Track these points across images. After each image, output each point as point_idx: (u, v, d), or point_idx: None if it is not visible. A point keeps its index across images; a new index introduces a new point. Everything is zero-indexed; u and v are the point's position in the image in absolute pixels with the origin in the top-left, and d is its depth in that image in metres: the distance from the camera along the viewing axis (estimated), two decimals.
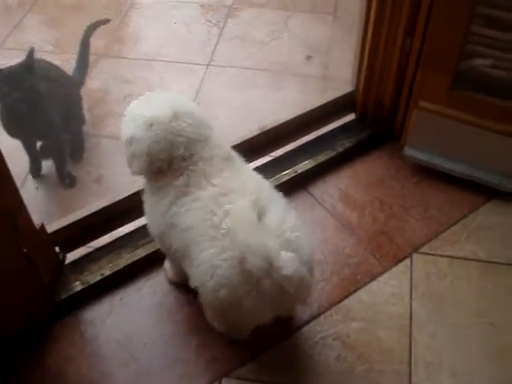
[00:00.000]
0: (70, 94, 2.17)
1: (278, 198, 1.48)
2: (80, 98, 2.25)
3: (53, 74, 2.11)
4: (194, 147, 1.42)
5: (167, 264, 1.75)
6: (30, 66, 1.90)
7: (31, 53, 1.90)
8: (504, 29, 1.74)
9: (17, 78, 1.88)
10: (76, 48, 2.35)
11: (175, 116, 1.41)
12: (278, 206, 1.42)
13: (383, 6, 1.80)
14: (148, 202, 1.54)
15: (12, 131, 2.00)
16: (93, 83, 2.46)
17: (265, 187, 1.50)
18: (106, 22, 2.47)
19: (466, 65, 1.82)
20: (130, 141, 1.43)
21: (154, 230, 1.55)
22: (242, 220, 1.32)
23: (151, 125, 1.39)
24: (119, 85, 2.49)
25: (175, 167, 1.42)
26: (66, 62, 2.36)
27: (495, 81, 1.83)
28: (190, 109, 1.46)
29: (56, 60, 2.26)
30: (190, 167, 1.42)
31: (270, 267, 1.26)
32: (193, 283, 1.44)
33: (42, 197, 2.10)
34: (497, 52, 1.79)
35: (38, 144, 2.15)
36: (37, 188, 2.11)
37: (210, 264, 1.35)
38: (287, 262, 1.26)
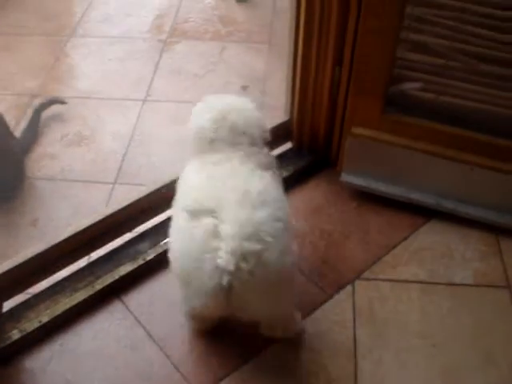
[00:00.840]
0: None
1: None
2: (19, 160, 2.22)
3: None
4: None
5: None
6: None
7: None
8: (430, 53, 1.77)
9: None
10: (12, 88, 2.35)
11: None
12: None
13: (310, 37, 1.82)
14: None
15: None
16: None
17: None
18: (62, 102, 2.49)
19: (395, 89, 1.85)
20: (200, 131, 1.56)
21: None
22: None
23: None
24: (54, 124, 2.45)
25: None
26: (3, 102, 2.40)
27: (425, 103, 1.86)
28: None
29: None
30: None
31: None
32: None
33: None
34: (425, 75, 1.83)
35: None
36: None
37: None
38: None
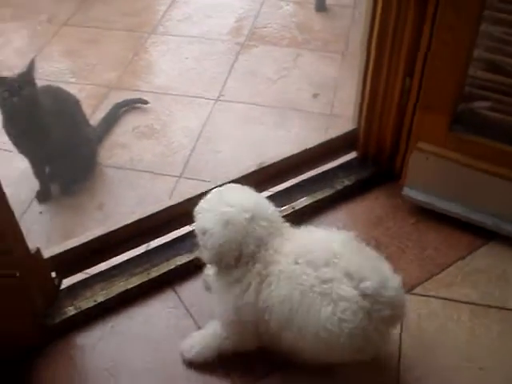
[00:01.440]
0: (78, 122, 2.24)
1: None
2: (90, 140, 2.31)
3: (62, 97, 2.20)
4: (264, 241, 1.44)
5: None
6: (30, 76, 2.00)
7: (32, 64, 2.00)
8: (502, 72, 1.75)
9: (17, 86, 1.96)
10: (92, 79, 2.47)
11: (252, 219, 1.42)
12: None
13: (383, 46, 1.83)
14: (224, 297, 1.52)
15: (16, 142, 2.09)
16: (102, 114, 2.51)
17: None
18: (144, 102, 2.58)
19: (464, 106, 1.83)
20: (204, 232, 1.44)
21: (238, 321, 1.52)
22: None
23: (227, 223, 1.40)
24: (128, 116, 2.54)
25: (245, 260, 1.44)
26: (83, 91, 2.52)
27: (493, 123, 1.83)
28: (266, 211, 1.48)
29: (72, 89, 2.36)
30: (261, 253, 1.44)
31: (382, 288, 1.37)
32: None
33: (45, 221, 2.14)
34: (495, 95, 1.80)
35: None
36: (40, 213, 2.15)
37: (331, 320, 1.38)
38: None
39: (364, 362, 1.61)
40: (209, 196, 1.50)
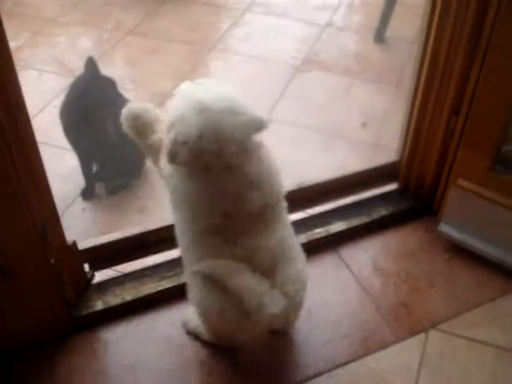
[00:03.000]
0: None
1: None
2: None
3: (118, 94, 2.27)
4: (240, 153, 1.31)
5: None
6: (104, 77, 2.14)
7: (91, 60, 2.13)
8: None
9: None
10: (148, 87, 2.57)
11: (232, 109, 1.27)
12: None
13: (431, 82, 1.85)
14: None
15: (69, 132, 2.18)
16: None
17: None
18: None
19: (507, 148, 1.83)
20: (179, 121, 1.26)
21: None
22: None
23: (203, 110, 1.25)
24: None
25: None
26: (138, 98, 2.60)
27: None
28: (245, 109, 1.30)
29: (128, 96, 2.42)
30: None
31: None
32: None
33: (86, 218, 2.21)
34: None
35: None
36: (83, 209, 2.22)
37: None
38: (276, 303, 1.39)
39: None
40: (180, 87, 1.36)
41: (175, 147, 1.26)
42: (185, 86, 1.36)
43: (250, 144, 1.34)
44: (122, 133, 2.18)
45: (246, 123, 1.30)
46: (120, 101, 2.23)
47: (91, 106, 2.12)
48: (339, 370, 1.69)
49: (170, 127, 1.28)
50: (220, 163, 1.30)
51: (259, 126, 1.32)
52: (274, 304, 1.38)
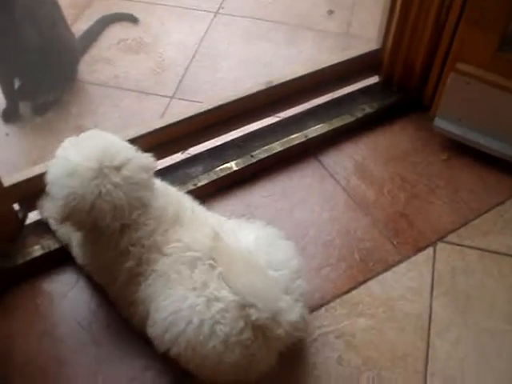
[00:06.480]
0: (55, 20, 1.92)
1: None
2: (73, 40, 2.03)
3: None
4: (128, 216, 1.21)
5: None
6: None
7: None
8: None
9: None
10: None
11: (100, 170, 1.18)
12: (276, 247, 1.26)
13: None
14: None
15: None
16: (83, 25, 2.19)
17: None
18: (133, 20, 2.27)
19: None
20: (50, 183, 1.24)
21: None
22: (242, 263, 1.17)
23: (71, 174, 1.19)
24: (113, 27, 2.22)
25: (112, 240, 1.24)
26: None
27: None
28: (123, 161, 1.22)
29: None
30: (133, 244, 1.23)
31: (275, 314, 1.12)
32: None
33: (11, 145, 1.85)
34: None
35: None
36: (7, 134, 1.87)
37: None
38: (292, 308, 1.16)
39: (386, 319, 1.39)
40: (64, 143, 1.29)
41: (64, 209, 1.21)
42: (65, 143, 1.29)
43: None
44: (46, 37, 1.82)
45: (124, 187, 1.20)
46: None
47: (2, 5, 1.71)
48: (338, 301, 1.43)
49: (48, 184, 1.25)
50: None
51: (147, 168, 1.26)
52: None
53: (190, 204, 1.34)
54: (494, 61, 1.58)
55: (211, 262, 1.17)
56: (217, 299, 1.13)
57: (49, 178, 1.24)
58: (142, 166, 1.24)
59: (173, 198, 1.31)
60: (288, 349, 1.23)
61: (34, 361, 1.32)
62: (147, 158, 1.27)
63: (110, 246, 1.25)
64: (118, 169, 1.20)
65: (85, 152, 1.22)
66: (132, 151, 1.26)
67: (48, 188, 1.24)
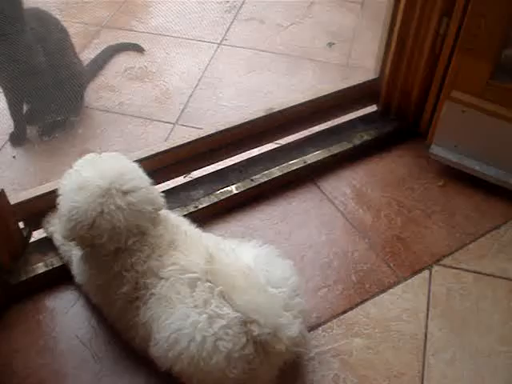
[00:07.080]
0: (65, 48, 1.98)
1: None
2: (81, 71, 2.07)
3: (50, 21, 1.94)
4: (124, 241, 1.24)
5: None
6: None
7: None
8: None
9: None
10: (81, 16, 2.30)
11: (108, 190, 1.20)
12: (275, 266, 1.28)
13: None
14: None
15: None
16: (91, 54, 2.25)
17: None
18: (139, 50, 2.33)
19: (509, 52, 1.58)
20: (60, 194, 1.27)
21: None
22: (243, 281, 1.17)
23: (80, 188, 1.21)
24: (120, 57, 2.28)
25: (106, 262, 1.26)
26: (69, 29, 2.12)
27: None
28: (133, 188, 1.24)
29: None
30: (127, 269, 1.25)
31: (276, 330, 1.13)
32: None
33: (18, 167, 1.89)
34: None
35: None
36: (14, 157, 1.91)
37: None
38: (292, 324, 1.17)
39: (382, 339, 1.40)
40: (80, 160, 1.31)
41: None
42: (80, 160, 1.31)
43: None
44: (55, 62, 1.87)
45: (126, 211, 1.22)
46: (50, 21, 1.89)
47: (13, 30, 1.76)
48: (335, 321, 1.45)
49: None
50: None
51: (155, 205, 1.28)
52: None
53: (185, 227, 1.35)
54: (487, 89, 1.61)
55: (209, 284, 1.18)
56: (219, 316, 1.14)
57: (60, 190, 1.26)
58: (149, 198, 1.26)
59: (171, 224, 1.32)
60: (287, 366, 1.25)
61: (35, 375, 1.33)
62: (157, 195, 1.29)
63: (105, 268, 1.27)
64: (125, 193, 1.21)
65: (99, 170, 1.24)
66: (146, 183, 1.27)
67: (58, 200, 1.26)
